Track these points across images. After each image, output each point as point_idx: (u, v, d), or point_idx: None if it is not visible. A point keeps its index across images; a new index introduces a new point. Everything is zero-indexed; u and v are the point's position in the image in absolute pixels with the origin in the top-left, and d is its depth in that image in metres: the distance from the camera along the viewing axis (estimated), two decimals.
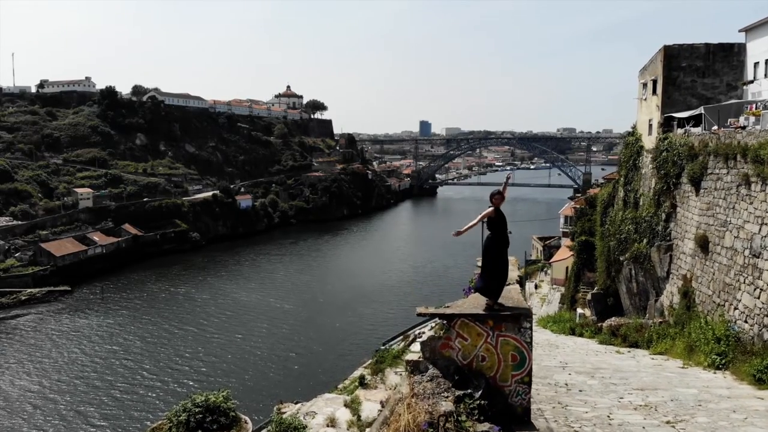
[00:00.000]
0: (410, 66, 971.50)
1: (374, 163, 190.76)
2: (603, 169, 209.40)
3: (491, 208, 6.17)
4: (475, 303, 5.52)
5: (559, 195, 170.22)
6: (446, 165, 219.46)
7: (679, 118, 17.42)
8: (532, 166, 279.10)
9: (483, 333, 5.21)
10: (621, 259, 19.67)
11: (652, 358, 12.03)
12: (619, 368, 10.13)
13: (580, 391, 7.81)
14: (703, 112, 15.73)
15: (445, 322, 5.41)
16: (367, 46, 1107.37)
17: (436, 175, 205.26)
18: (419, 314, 5.38)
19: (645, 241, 17.83)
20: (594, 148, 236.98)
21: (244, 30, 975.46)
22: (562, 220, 50.69)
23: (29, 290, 69.51)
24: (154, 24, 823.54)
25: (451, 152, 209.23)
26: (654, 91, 19.55)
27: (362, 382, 20.41)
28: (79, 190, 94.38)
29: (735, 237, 12.25)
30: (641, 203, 19.27)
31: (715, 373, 9.93)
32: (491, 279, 5.55)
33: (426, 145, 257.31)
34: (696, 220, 14.53)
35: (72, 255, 78.51)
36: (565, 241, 45.01)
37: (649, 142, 19.87)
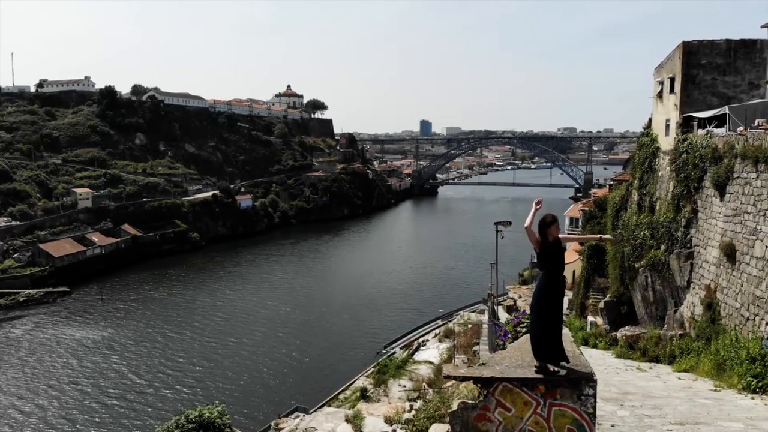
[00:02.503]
0: (411, 65, 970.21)
1: (375, 162, 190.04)
2: (605, 169, 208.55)
3: (539, 238, 5.13)
4: (519, 358, 4.44)
5: (560, 195, 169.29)
6: (447, 165, 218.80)
7: (700, 118, 16.55)
8: (533, 166, 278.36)
9: (531, 401, 4.09)
10: (636, 266, 18.79)
11: (679, 378, 11.18)
12: (647, 392, 9.29)
13: (613, 426, 6.95)
14: (727, 111, 14.86)
15: (479, 386, 4.03)
16: (368, 47, 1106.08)
17: (437, 175, 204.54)
18: (446, 377, 4.30)
19: (663, 247, 16.96)
20: (595, 148, 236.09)
21: (244, 30, 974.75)
22: (567, 222, 49.82)
23: (27, 291, 68.81)
24: (155, 24, 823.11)
25: (452, 152, 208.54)
26: (672, 90, 18.64)
27: (364, 395, 19.76)
28: (78, 190, 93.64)
29: (767, 246, 11.39)
30: (658, 207, 18.38)
31: (753, 398, 9.09)
32: (545, 333, 4.44)
33: (426, 144, 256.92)
34: (721, 226, 13.66)
35: (71, 256, 77.78)
36: (571, 244, 44.04)
37: (666, 143, 18.98)
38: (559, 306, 4.80)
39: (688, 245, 15.53)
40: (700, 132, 16.31)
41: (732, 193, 13.21)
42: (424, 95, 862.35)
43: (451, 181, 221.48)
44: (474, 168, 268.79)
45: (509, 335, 5.59)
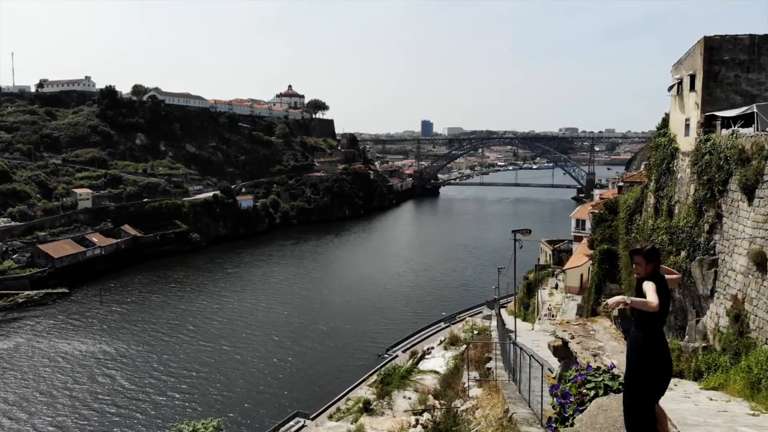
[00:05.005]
0: (412, 66, 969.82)
1: (376, 163, 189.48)
2: (609, 169, 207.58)
3: (647, 282, 3.90)
4: None
5: (562, 195, 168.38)
6: (448, 165, 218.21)
7: (724, 117, 15.69)
8: (534, 166, 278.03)
9: None
10: None
11: (711, 399, 10.33)
12: (682, 418, 8.45)
13: None
14: (755, 110, 14.03)
15: None
16: (369, 47, 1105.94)
17: (438, 175, 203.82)
18: None
19: (683, 253, 16.11)
20: (596, 148, 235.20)
21: (245, 30, 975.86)
22: (573, 224, 48.93)
23: (27, 293, 68.25)
24: (156, 24, 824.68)
25: (453, 152, 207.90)
26: (692, 87, 17.79)
27: (367, 408, 18.95)
28: (78, 191, 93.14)
29: None
30: (677, 211, 17.52)
31: None
32: (635, 411, 3.48)
33: (428, 144, 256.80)
34: (749, 233, 12.81)
35: (70, 257, 77.20)
36: (577, 246, 43.19)
37: (686, 143, 18.12)
38: (654, 374, 3.73)
39: (712, 252, 14.69)
40: (725, 132, 15.45)
41: (762, 198, 12.37)
42: (425, 95, 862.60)
43: (452, 181, 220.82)
44: (475, 168, 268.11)
45: (572, 398, 4.56)
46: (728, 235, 14.01)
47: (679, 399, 10.26)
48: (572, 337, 5.99)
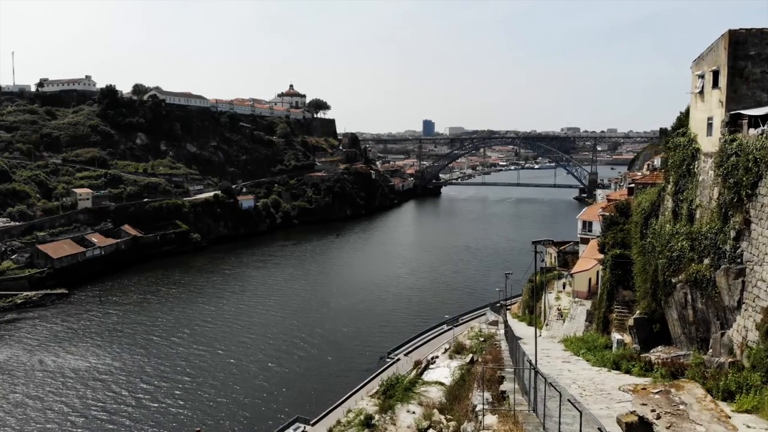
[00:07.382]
0: (414, 65, 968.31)
1: (377, 162, 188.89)
2: (612, 169, 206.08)
3: None
4: None
5: (564, 195, 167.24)
6: (450, 165, 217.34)
7: (752, 116, 14.72)
8: (536, 166, 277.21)
9: None
10: (673, 280, 16.97)
11: (748, 426, 9.42)
12: None
13: None
14: None
15: None
16: (371, 46, 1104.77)
17: (440, 175, 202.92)
18: None
19: (706, 261, 15.17)
20: (599, 148, 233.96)
21: (247, 29, 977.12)
22: (579, 225, 47.92)
23: (25, 293, 67.67)
24: (157, 24, 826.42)
25: (455, 152, 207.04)
26: (715, 84, 16.82)
27: (368, 423, 18.03)
28: (78, 191, 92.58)
29: None
30: (698, 216, 16.56)
31: None
32: None
33: (429, 144, 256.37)
34: None
35: (70, 257, 76.58)
36: (584, 249, 42.17)
37: (708, 144, 17.15)
38: None
39: (739, 260, 13.75)
40: (752, 132, 14.49)
41: None
42: (427, 95, 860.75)
43: (454, 181, 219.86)
44: (477, 168, 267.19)
45: None
46: (758, 242, 13.06)
47: (713, 424, 9.33)
48: (657, 416, 4.93)
